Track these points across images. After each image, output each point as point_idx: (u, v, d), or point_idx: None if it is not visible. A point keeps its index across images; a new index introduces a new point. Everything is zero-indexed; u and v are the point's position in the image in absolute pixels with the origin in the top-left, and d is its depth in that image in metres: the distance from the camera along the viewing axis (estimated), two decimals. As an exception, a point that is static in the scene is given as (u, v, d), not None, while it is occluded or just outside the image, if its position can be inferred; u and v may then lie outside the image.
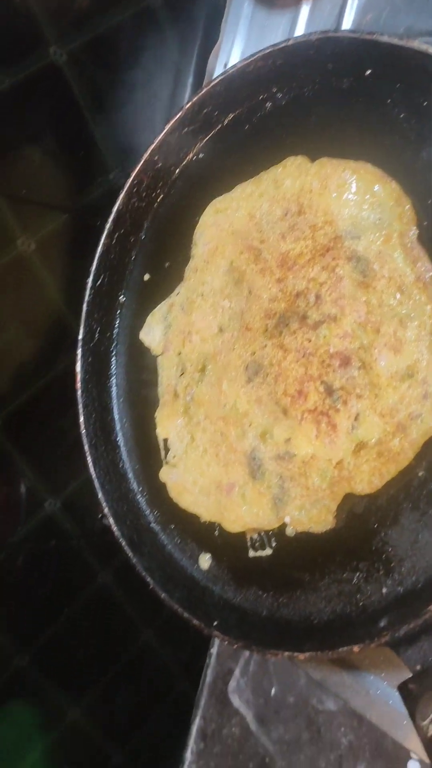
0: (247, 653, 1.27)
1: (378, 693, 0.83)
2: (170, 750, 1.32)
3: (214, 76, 1.06)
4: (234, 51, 1.06)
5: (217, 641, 1.29)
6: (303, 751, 1.20)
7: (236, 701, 1.29)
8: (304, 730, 1.20)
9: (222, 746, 1.29)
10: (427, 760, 0.68)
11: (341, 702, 1.15)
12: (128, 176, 0.96)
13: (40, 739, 1.22)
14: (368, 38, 0.75)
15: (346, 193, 0.78)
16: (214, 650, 1.29)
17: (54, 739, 1.23)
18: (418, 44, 0.71)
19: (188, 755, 1.29)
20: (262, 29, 1.04)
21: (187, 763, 1.29)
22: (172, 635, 1.39)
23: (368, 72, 0.78)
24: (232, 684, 1.29)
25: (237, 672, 1.29)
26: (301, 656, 0.71)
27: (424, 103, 0.74)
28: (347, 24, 0.95)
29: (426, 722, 0.58)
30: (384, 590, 0.71)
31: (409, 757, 1.06)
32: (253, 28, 1.04)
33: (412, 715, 0.59)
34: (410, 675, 0.64)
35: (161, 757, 1.40)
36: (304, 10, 0.99)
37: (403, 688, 0.61)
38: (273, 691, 1.26)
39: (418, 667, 0.62)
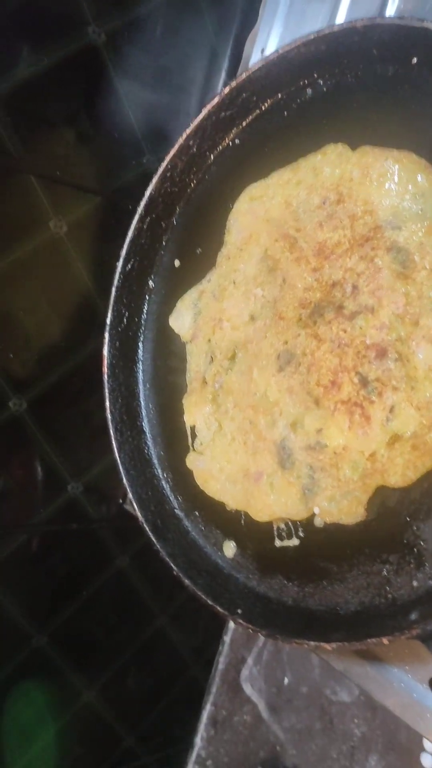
0: (260, 642, 1.27)
1: (402, 686, 0.83)
2: (181, 735, 1.33)
3: (252, 61, 1.05)
4: (271, 37, 1.05)
5: (231, 629, 1.29)
6: (314, 741, 1.21)
7: (248, 689, 1.29)
8: (317, 719, 1.21)
9: (232, 733, 1.30)
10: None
11: (355, 693, 1.16)
12: (162, 160, 0.95)
13: (53, 719, 1.23)
14: (417, 25, 0.74)
15: (387, 183, 0.78)
16: (227, 638, 1.30)
17: (67, 719, 1.24)
18: (469, 33, 0.69)
19: (198, 741, 1.30)
20: (301, 15, 1.02)
21: (196, 749, 1.31)
22: (186, 622, 1.40)
23: (414, 60, 0.77)
24: (245, 672, 1.30)
25: (250, 660, 1.30)
26: (328, 646, 0.71)
27: (472, 94, 0.73)
28: (390, 11, 0.94)
29: (458, 716, 0.58)
30: (415, 583, 0.71)
31: (422, 749, 1.06)
32: (291, 15, 1.03)
33: (443, 709, 0.59)
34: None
35: (172, 742, 1.41)
36: (346, -4, 0.98)
37: (435, 683, 0.61)
38: (286, 680, 1.26)
39: (451, 662, 0.62)
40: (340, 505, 0.78)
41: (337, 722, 1.18)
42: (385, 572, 0.74)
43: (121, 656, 1.33)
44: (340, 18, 0.99)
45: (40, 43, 0.92)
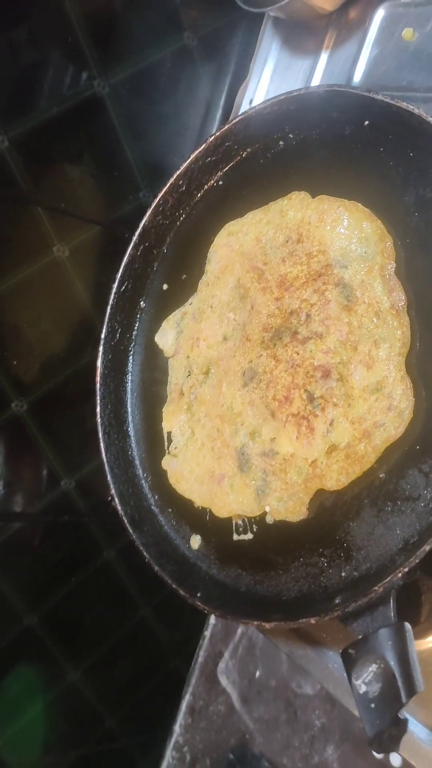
0: (236, 638, 1.37)
1: (335, 666, 0.94)
2: (160, 720, 1.43)
3: (240, 111, 1.18)
4: (259, 89, 1.18)
5: (211, 625, 1.40)
6: (280, 730, 1.30)
7: (224, 681, 1.39)
8: (283, 711, 1.30)
9: (207, 722, 1.40)
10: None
11: (317, 687, 1.25)
12: (155, 196, 1.08)
13: (40, 695, 1.35)
14: (366, 95, 0.86)
15: (339, 227, 0.89)
16: (207, 633, 1.40)
17: (53, 696, 1.35)
18: (405, 105, 0.81)
19: (177, 728, 1.40)
20: (285, 71, 1.15)
21: (175, 735, 1.40)
22: (169, 615, 1.51)
23: (366, 122, 0.89)
24: (221, 665, 1.39)
25: (226, 654, 1.39)
26: (268, 625, 0.82)
27: (411, 154, 0.85)
28: (359, 72, 1.07)
29: (359, 681, 0.69)
30: (343, 573, 0.82)
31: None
32: (277, 70, 1.16)
33: (349, 675, 0.70)
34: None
35: (152, 727, 1.51)
36: (323, 58, 1.10)
37: (344, 653, 0.72)
38: (257, 673, 1.36)
39: (360, 636, 0.73)
40: (287, 505, 0.89)
41: (300, 713, 1.28)
42: (320, 564, 0.84)
43: (106, 642, 1.44)
44: (318, 75, 1.11)
45: (50, 95, 1.06)
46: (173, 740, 1.41)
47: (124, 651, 1.47)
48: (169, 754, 1.42)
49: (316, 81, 1.11)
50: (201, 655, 1.42)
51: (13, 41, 1.00)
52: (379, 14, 1.03)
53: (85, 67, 1.09)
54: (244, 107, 1.19)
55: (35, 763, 1.35)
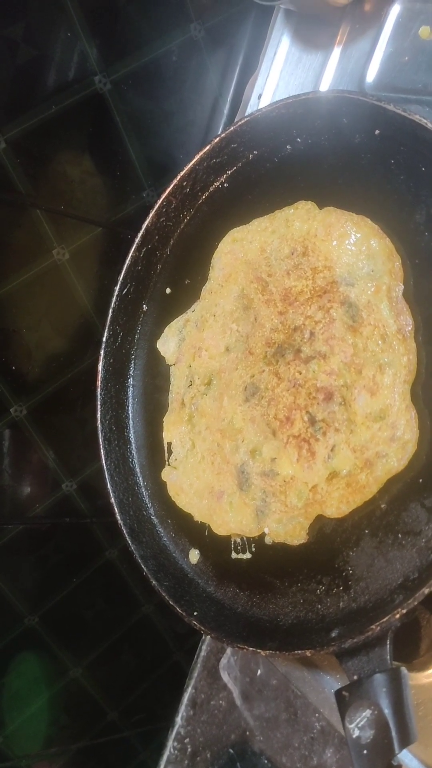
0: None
1: (332, 691, 0.92)
2: (162, 713, 1.44)
3: (248, 107, 1.13)
4: (268, 84, 1.12)
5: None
6: (280, 730, 1.31)
7: (225, 677, 1.39)
8: (283, 711, 1.30)
9: (209, 715, 1.40)
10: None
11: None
12: (159, 196, 1.04)
13: (44, 690, 1.36)
14: (377, 104, 0.81)
15: (346, 243, 0.86)
16: (209, 628, 1.40)
17: (57, 691, 1.36)
18: (418, 118, 0.77)
19: (178, 720, 1.41)
20: (296, 65, 1.10)
21: (176, 726, 1.41)
22: (171, 611, 1.51)
23: (377, 132, 0.84)
24: (223, 661, 1.40)
25: (228, 651, 1.39)
26: (263, 653, 0.81)
27: (423, 169, 0.80)
28: (373, 70, 1.01)
29: (352, 725, 0.67)
30: (341, 604, 0.80)
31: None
32: (287, 64, 1.10)
33: (342, 717, 0.69)
34: (349, 682, 0.73)
35: (153, 719, 1.53)
36: (335, 53, 1.05)
37: (338, 694, 0.71)
38: (259, 672, 1.36)
39: (355, 677, 0.71)
40: (286, 528, 0.87)
41: (301, 714, 1.28)
42: (318, 591, 0.83)
43: (108, 639, 1.44)
44: (329, 72, 1.06)
45: (49, 92, 1.01)
46: (175, 731, 1.43)
47: (127, 646, 1.47)
48: (170, 745, 1.43)
49: (327, 77, 1.05)
50: (203, 650, 1.42)
51: (9, 37, 0.95)
52: (395, 9, 0.96)
53: (85, 63, 1.04)
54: (253, 102, 1.13)
55: (38, 756, 1.37)
